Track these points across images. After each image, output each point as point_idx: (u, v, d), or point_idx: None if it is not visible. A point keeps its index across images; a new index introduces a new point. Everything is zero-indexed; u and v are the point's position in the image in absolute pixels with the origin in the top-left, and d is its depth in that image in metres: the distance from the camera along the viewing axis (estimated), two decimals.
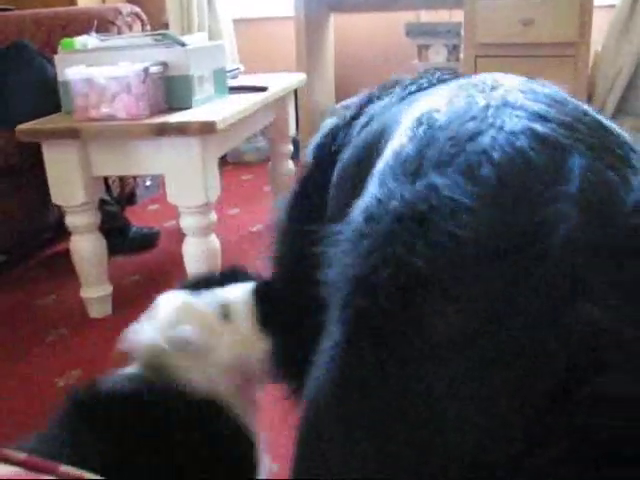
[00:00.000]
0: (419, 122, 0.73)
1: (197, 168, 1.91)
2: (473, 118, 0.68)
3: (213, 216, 2.01)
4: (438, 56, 3.66)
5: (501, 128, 0.64)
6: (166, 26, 3.84)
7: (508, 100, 0.70)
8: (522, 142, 0.61)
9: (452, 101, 0.75)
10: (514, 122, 0.64)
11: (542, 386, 0.52)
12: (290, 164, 2.89)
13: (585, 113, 0.69)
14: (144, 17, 3.04)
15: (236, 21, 4.16)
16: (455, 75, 0.96)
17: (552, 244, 0.55)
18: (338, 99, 4.10)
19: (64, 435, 0.87)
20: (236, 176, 3.70)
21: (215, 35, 3.93)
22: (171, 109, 2.02)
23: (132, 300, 2.25)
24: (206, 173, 1.92)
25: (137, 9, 3.01)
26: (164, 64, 2.01)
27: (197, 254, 1.99)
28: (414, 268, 0.57)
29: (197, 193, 1.93)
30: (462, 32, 3.36)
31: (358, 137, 0.92)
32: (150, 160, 1.97)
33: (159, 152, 1.93)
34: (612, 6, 3.42)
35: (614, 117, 3.37)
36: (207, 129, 1.86)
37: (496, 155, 0.61)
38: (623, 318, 0.53)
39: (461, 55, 3.50)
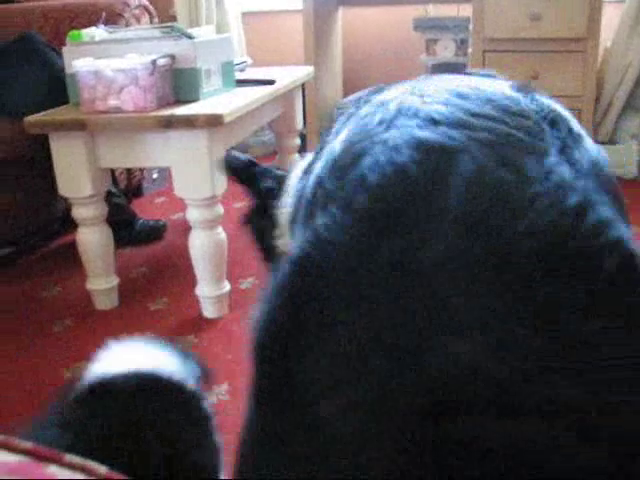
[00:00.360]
0: (326, 157, 0.71)
1: (204, 161, 1.91)
2: (362, 139, 0.65)
3: (220, 209, 2.01)
4: (446, 51, 3.65)
5: (385, 143, 0.61)
6: (174, 19, 3.83)
7: (402, 108, 0.66)
8: (403, 156, 0.58)
9: (353, 125, 0.71)
10: (399, 134, 0.61)
11: (401, 424, 0.51)
12: (297, 158, 2.88)
13: (491, 100, 0.65)
14: (152, 10, 3.04)
15: (244, 14, 4.15)
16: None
17: (418, 271, 0.53)
18: (346, 93, 4.09)
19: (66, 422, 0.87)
20: None
21: (223, 28, 3.92)
22: (178, 102, 2.02)
23: (138, 292, 2.26)
24: (213, 166, 1.92)
25: (145, 2, 3.01)
26: (172, 57, 2.01)
27: (203, 247, 2.00)
28: (287, 321, 0.58)
29: (204, 186, 1.93)
30: (470, 27, 3.35)
31: None
32: (157, 153, 1.97)
33: (166, 145, 1.93)
34: (622, 1, 3.40)
35: (622, 113, 3.35)
36: (214, 122, 1.86)
37: (372, 178, 0.58)
38: (490, 355, 0.50)
39: (469, 50, 3.48)
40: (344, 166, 0.64)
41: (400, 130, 0.62)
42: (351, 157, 0.64)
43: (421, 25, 3.66)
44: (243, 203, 3.08)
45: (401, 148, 0.60)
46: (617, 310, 0.54)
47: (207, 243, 1.99)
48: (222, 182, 1.99)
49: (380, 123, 0.66)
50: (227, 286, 2.07)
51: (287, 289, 0.59)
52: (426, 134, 0.60)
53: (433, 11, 3.85)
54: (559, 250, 0.54)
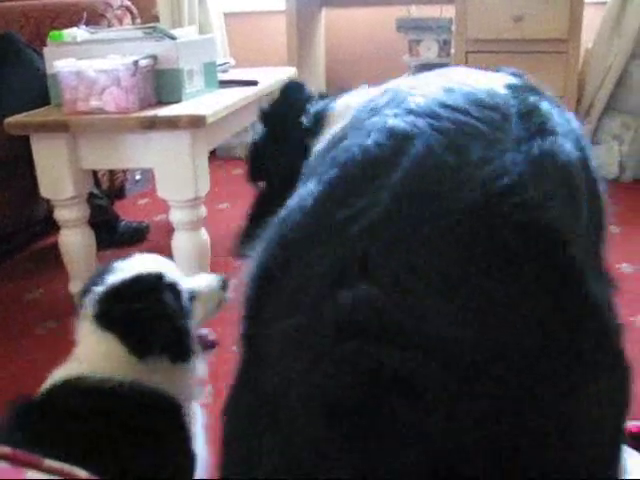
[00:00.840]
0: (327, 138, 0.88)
1: (187, 162, 1.90)
2: (352, 125, 0.79)
3: (203, 210, 2.00)
4: (429, 52, 3.66)
5: (362, 129, 0.74)
6: (156, 19, 3.81)
7: (391, 100, 0.78)
8: (370, 140, 0.70)
9: (360, 108, 0.85)
10: (376, 121, 0.73)
11: (325, 343, 0.63)
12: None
13: (470, 94, 0.75)
14: (134, 10, 3.02)
15: (227, 15, 4.14)
16: None
17: (352, 232, 0.65)
18: (329, 94, 4.08)
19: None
20: (226, 171, 3.69)
21: (205, 29, 3.91)
22: (161, 103, 2.01)
23: None
24: (196, 167, 1.91)
25: (127, 2, 2.99)
26: (154, 57, 2.00)
27: (186, 248, 1.99)
28: (262, 275, 0.72)
29: (187, 187, 1.92)
30: (453, 28, 3.36)
31: None
32: (140, 154, 1.96)
33: (149, 146, 1.92)
34: (603, 3, 3.43)
35: (603, 114, 3.38)
36: (197, 123, 1.85)
37: (342, 157, 0.71)
38: (392, 296, 0.61)
39: (452, 51, 3.50)
40: (329, 147, 0.77)
41: (379, 118, 0.74)
42: (337, 139, 0.77)
43: (404, 26, 3.67)
44: (226, 204, 3.07)
45: (371, 133, 0.71)
46: (519, 276, 0.63)
47: (190, 244, 1.99)
48: (205, 183, 1.98)
49: (371, 110, 0.78)
50: None
51: (267, 248, 0.72)
52: (395, 122, 0.71)
53: (416, 12, 3.86)
54: (478, 222, 0.64)
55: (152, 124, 1.87)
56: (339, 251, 0.65)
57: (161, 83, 2.03)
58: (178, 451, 1.02)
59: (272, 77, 2.57)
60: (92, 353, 1.04)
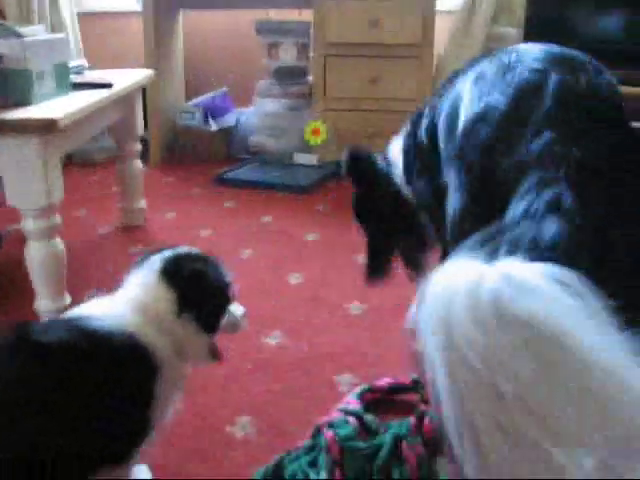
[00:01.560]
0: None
1: (37, 168, 1.81)
2: (512, 67, 1.17)
3: (57, 218, 1.91)
4: (288, 55, 3.69)
5: (515, 71, 1.14)
6: (2, 16, 3.63)
7: (525, 53, 1.19)
8: (524, 75, 1.12)
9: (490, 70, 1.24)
10: (524, 63, 1.15)
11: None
12: (139, 163, 2.80)
13: (566, 56, 1.17)
14: None
15: (81, 14, 4.00)
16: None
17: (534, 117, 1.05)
18: (188, 97, 4.03)
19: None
20: (83, 176, 3.55)
21: (58, 28, 3.76)
22: (7, 105, 1.91)
23: None
24: (48, 173, 1.82)
25: None
26: None
27: (40, 258, 1.89)
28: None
29: (38, 194, 1.83)
30: (312, 31, 3.40)
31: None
32: None
33: None
34: (452, 13, 3.59)
35: None
36: (48, 127, 1.77)
37: (509, 77, 1.14)
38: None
39: (311, 54, 3.54)
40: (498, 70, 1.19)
41: (524, 63, 1.16)
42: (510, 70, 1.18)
43: (263, 29, 3.68)
44: (83, 211, 2.96)
45: (519, 72, 1.14)
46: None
47: (44, 254, 1.89)
48: (59, 190, 1.89)
49: (508, 64, 1.18)
50: (67, 299, 1.98)
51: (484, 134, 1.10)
52: (535, 64, 1.14)
53: (275, 15, 3.88)
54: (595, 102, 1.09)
55: None
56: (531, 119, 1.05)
57: (7, 84, 1.92)
58: (138, 412, 1.10)
59: (128, 79, 2.50)
60: (138, 298, 1.17)
